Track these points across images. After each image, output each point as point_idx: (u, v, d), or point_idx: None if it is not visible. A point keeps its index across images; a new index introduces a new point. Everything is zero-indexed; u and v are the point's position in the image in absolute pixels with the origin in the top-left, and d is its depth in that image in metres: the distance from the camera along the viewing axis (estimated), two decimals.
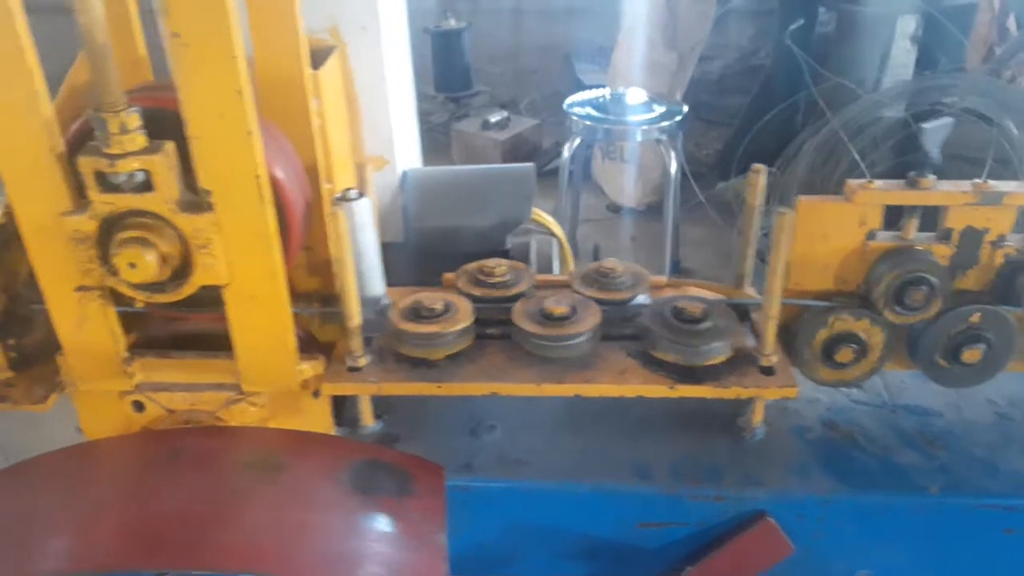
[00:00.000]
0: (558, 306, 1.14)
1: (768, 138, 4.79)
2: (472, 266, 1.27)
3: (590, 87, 5.84)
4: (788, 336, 1.18)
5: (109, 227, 1.01)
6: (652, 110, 3.56)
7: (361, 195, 1.17)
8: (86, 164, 0.97)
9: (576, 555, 1.16)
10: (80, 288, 1.07)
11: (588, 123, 3.41)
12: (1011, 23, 5.86)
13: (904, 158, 4.27)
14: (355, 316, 1.13)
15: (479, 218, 1.39)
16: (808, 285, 1.19)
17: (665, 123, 3.39)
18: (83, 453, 1.04)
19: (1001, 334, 1.16)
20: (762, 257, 3.39)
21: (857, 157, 3.67)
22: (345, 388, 1.14)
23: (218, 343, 1.17)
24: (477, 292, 1.22)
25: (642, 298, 1.22)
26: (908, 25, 4.93)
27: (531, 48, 6.80)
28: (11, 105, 0.95)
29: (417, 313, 1.15)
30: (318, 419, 1.18)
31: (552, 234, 1.53)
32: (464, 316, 1.15)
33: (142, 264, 0.99)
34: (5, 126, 0.96)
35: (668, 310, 1.15)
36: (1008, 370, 1.20)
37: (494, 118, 4.95)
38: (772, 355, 1.14)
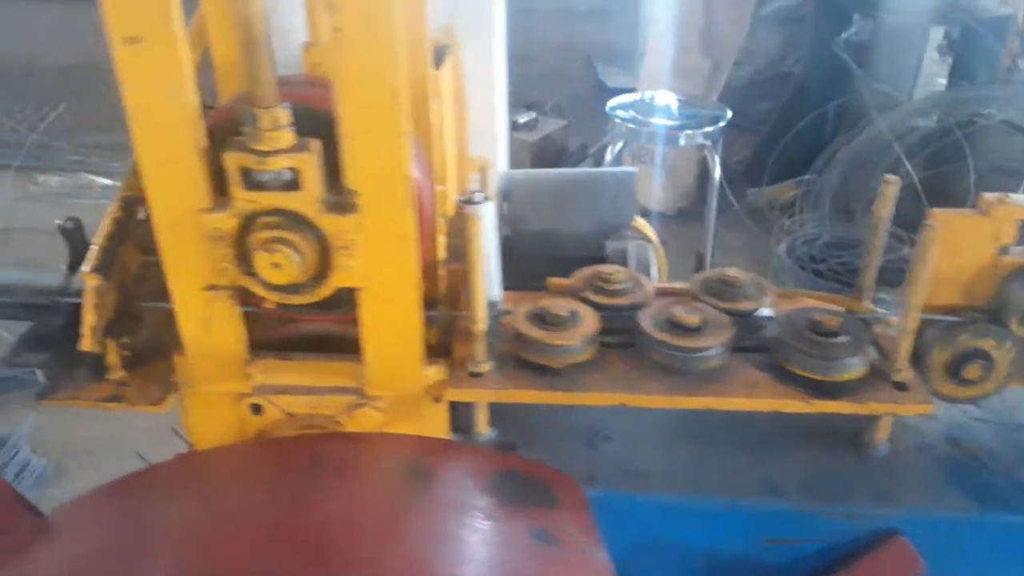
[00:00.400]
0: (689, 316, 1.11)
1: (798, 146, 4.78)
2: (588, 272, 1.24)
3: (614, 89, 5.83)
4: (916, 353, 1.16)
5: (247, 226, 0.98)
6: (693, 114, 3.54)
7: (486, 198, 1.14)
8: (233, 160, 0.94)
9: (700, 571, 1.14)
10: (210, 287, 1.04)
11: (632, 126, 3.38)
12: None
13: (938, 169, 4.26)
14: (481, 321, 1.10)
15: (580, 222, 1.37)
16: (936, 300, 1.16)
17: (709, 128, 3.36)
18: (210, 460, 1.01)
19: None
20: (801, 265, 3.33)
21: (909, 167, 3.66)
22: (470, 394, 1.12)
23: (330, 345, 1.15)
24: (596, 299, 1.19)
25: (765, 310, 1.20)
26: (938, 35, 4.91)
27: (549, 49, 6.77)
28: (159, 95, 0.92)
29: (543, 319, 1.13)
30: (436, 425, 1.15)
31: (647, 239, 1.50)
32: (591, 325, 1.12)
33: (287, 265, 0.96)
34: (150, 116, 0.93)
35: (803, 322, 1.12)
36: None
37: (523, 119, 4.93)
38: (905, 370, 1.11)
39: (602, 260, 1.46)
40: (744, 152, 5.28)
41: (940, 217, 1.15)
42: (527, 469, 0.98)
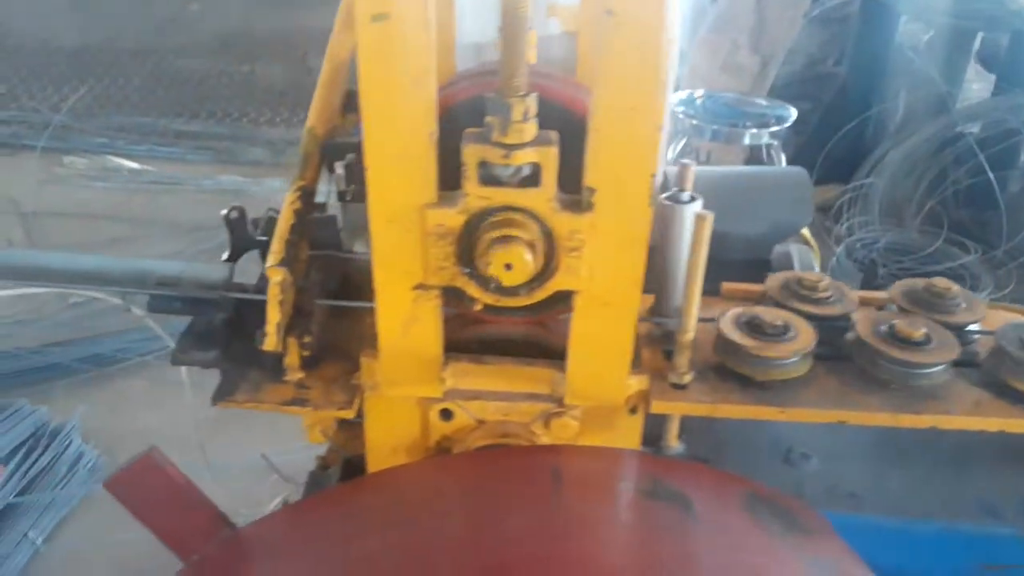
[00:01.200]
0: (914, 329, 1.05)
1: (842, 148, 4.73)
2: (783, 278, 1.17)
3: None
4: None
5: (473, 223, 0.91)
6: (754, 113, 3.48)
7: (694, 198, 1.07)
8: (473, 153, 0.87)
9: None
10: (418, 287, 0.96)
11: (695, 123, 3.32)
12: None
13: (986, 176, 4.21)
14: (691, 330, 1.03)
15: (750, 224, 1.30)
16: None
17: (776, 127, 3.30)
18: (426, 475, 0.94)
19: None
20: (861, 269, 3.23)
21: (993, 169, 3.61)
22: (676, 407, 1.05)
23: (512, 349, 1.08)
24: (802, 307, 1.12)
25: (975, 323, 1.14)
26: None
27: None
28: (401, 80, 0.84)
29: (756, 328, 1.06)
30: (629, 437, 1.09)
31: (807, 243, 1.44)
32: (807, 337, 1.05)
33: (520, 265, 0.89)
34: (388, 102, 0.85)
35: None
36: None
37: None
38: None
39: (767, 264, 1.40)
40: (785, 151, 5.21)
41: None
42: (763, 491, 0.91)
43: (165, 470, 0.89)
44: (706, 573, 0.71)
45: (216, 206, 4.12)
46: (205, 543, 0.91)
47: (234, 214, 1.15)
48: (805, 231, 1.44)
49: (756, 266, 1.38)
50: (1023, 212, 4.03)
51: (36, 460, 2.67)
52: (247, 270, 1.19)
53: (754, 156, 4.25)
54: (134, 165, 4.86)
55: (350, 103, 1.29)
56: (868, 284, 3.54)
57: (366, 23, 0.82)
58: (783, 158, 3.42)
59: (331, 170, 1.16)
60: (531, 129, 0.86)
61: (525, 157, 0.86)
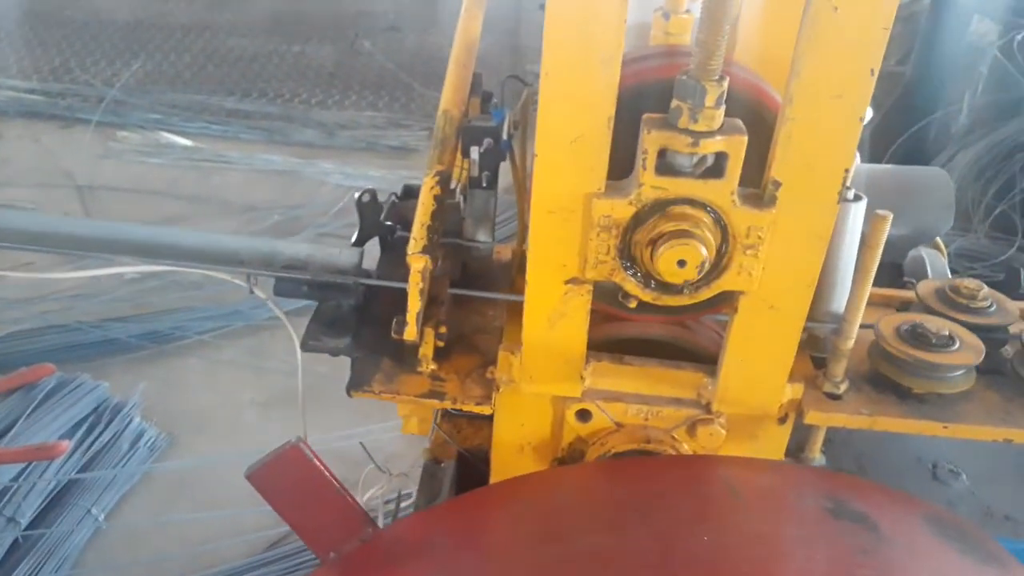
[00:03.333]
0: None
1: (908, 148, 4.62)
2: (937, 285, 1.11)
3: None
4: None
5: (644, 213, 0.86)
6: None
7: (859, 196, 1.01)
8: (654, 140, 0.81)
9: None
10: (572, 280, 0.91)
11: None
12: None
13: None
14: (853, 337, 0.97)
15: (893, 226, 1.23)
16: None
17: None
18: (589, 482, 0.89)
19: None
20: None
21: None
22: (833, 418, 0.99)
23: (651, 350, 1.03)
24: (959, 317, 1.06)
25: None
26: None
27: None
28: (589, 61, 0.78)
29: (921, 338, 1.00)
30: (772, 448, 1.03)
31: (937, 248, 1.37)
32: (975, 350, 0.99)
33: (694, 262, 0.84)
34: (571, 85, 0.80)
35: None
36: None
37: None
38: None
39: (900, 268, 1.33)
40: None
41: None
42: (943, 514, 0.85)
43: (311, 463, 0.85)
44: None
45: (267, 186, 4.14)
46: (344, 541, 0.87)
47: (366, 197, 1.10)
48: (938, 237, 1.37)
49: (889, 270, 1.31)
50: None
51: (98, 436, 2.66)
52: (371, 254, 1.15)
53: None
54: (186, 142, 4.85)
55: (475, 88, 1.24)
56: None
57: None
58: (858, 157, 3.33)
59: (465, 155, 1.11)
60: (721, 116, 0.81)
61: (713, 146, 0.81)
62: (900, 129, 4.63)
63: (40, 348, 3.00)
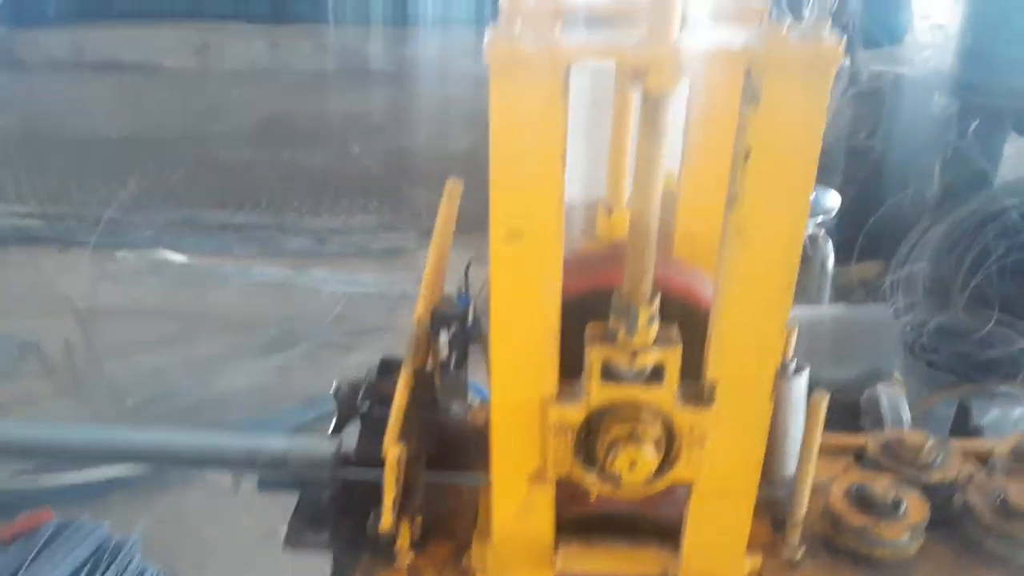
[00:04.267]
0: None
1: (882, 224, 4.73)
2: (886, 438, 1.17)
3: None
4: None
5: (594, 418, 0.92)
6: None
7: (800, 367, 1.08)
8: (597, 354, 0.88)
9: None
10: (536, 476, 0.97)
11: None
12: None
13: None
14: (804, 506, 1.03)
15: (841, 370, 1.30)
16: None
17: (822, 217, 3.32)
18: None
19: None
20: (912, 352, 3.16)
21: None
22: None
23: (617, 526, 1.08)
24: (905, 471, 1.11)
25: None
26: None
27: None
28: (530, 285, 0.86)
29: (867, 503, 1.05)
30: None
31: (896, 383, 1.43)
32: (919, 513, 1.04)
33: (643, 463, 0.90)
34: (517, 306, 0.87)
35: None
36: None
37: None
38: None
39: (856, 408, 1.39)
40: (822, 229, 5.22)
41: None
42: None
43: None
44: None
45: (263, 298, 4.22)
46: None
47: (343, 388, 1.17)
48: (897, 374, 1.44)
49: (846, 411, 1.37)
50: None
51: None
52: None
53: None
54: (182, 259, 4.97)
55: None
56: (922, 369, 3.50)
57: (500, 240, 0.84)
58: (830, 245, 3.43)
59: (434, 339, 1.18)
60: (655, 331, 0.88)
61: (650, 358, 0.88)
62: (874, 203, 4.76)
63: (40, 488, 3.03)
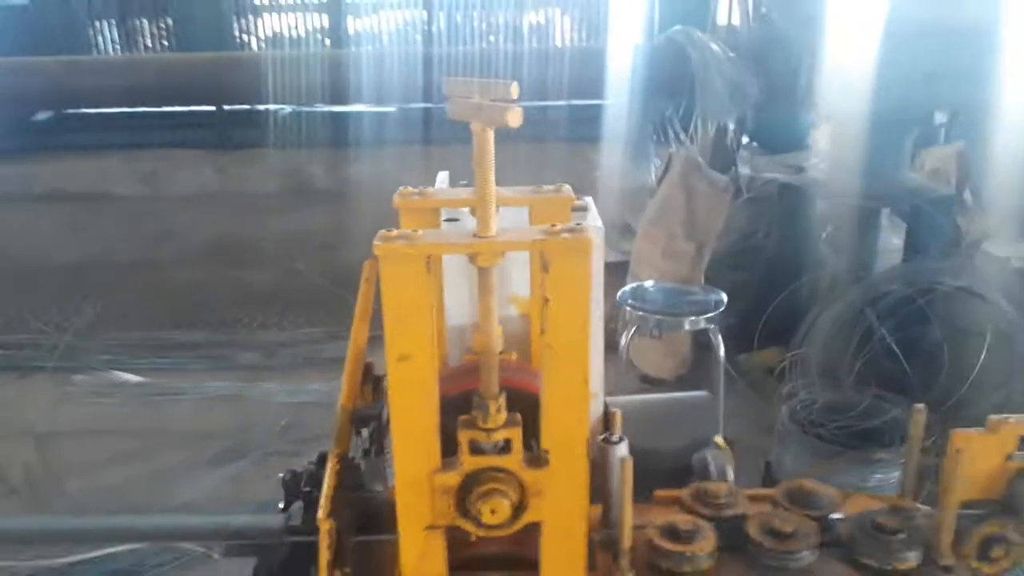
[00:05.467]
0: (785, 525, 1.46)
1: (781, 313, 5.28)
2: (694, 488, 1.59)
3: (609, 264, 6.35)
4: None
5: (467, 481, 1.33)
6: (692, 300, 4.02)
7: (621, 438, 1.50)
8: (465, 436, 1.30)
9: None
10: (429, 527, 1.37)
11: (642, 314, 3.83)
12: (967, 195, 6.53)
13: (906, 333, 4.75)
14: (628, 539, 1.43)
15: (672, 441, 1.73)
16: (963, 496, 1.52)
17: (711, 313, 3.83)
18: None
19: None
20: (803, 430, 3.69)
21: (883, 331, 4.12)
22: None
23: (499, 563, 1.47)
24: (706, 511, 1.53)
25: (837, 513, 1.55)
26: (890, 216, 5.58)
27: None
28: (417, 396, 1.28)
29: (674, 534, 1.46)
30: None
31: (724, 450, 1.86)
32: (711, 539, 1.46)
33: (501, 511, 1.30)
34: (409, 412, 1.29)
35: (869, 523, 1.48)
36: None
37: None
38: (949, 556, 1.46)
39: (689, 468, 1.82)
40: (729, 320, 5.76)
41: (962, 438, 1.52)
42: None
43: None
44: None
45: (216, 412, 4.59)
46: None
47: (288, 476, 1.56)
48: (718, 438, 1.87)
49: (681, 472, 1.79)
50: (942, 363, 4.53)
51: None
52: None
53: (696, 338, 4.79)
54: (137, 378, 5.26)
55: (367, 376, 1.74)
56: (811, 443, 3.97)
57: (393, 361, 1.26)
58: (720, 339, 3.92)
59: (358, 433, 1.59)
60: (503, 416, 1.30)
61: (501, 435, 1.30)
62: (772, 296, 5.33)
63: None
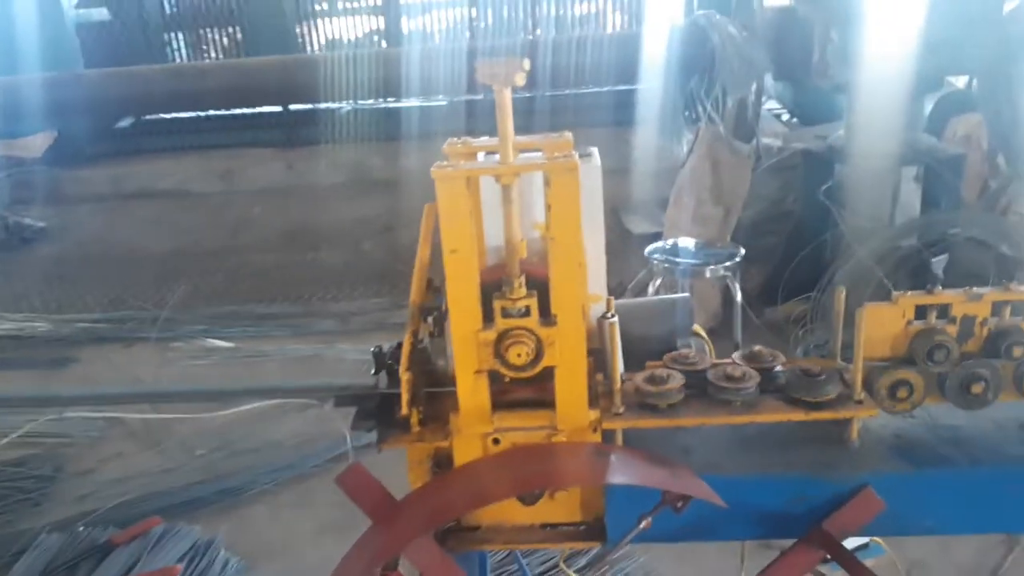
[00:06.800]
0: (736, 371, 2.01)
1: (803, 270, 5.76)
2: (674, 354, 2.14)
3: (638, 236, 6.88)
4: (867, 385, 2.02)
5: (500, 336, 1.91)
6: (713, 253, 4.53)
7: (615, 315, 2.06)
8: (498, 304, 1.88)
9: (754, 520, 1.97)
10: (477, 371, 1.95)
11: (667, 265, 4.36)
12: (1000, 160, 6.92)
13: (917, 280, 5.17)
14: (618, 382, 2.00)
15: (658, 328, 2.29)
16: (875, 354, 2.03)
17: (728, 263, 4.33)
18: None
19: (993, 376, 2.00)
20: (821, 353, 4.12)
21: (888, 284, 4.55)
22: (615, 424, 1.99)
23: (530, 404, 2.04)
24: (682, 368, 2.09)
25: (779, 367, 2.09)
26: (910, 173, 5.98)
27: None
28: (465, 277, 1.86)
29: (652, 379, 2.02)
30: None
31: (703, 338, 2.41)
32: (679, 380, 2.01)
33: (524, 355, 1.88)
34: (464, 288, 1.87)
35: (799, 370, 2.01)
36: (1000, 400, 2.03)
37: None
38: (861, 394, 1.98)
39: (675, 350, 2.36)
40: (759, 279, 6.24)
41: (871, 308, 2.04)
42: (665, 459, 1.85)
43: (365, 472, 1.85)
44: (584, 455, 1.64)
45: (298, 369, 5.35)
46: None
47: (376, 349, 2.16)
48: (698, 328, 2.41)
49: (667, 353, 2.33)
50: None
51: (196, 565, 3.58)
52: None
53: (725, 295, 5.29)
54: (229, 344, 5.99)
55: (429, 285, 2.33)
56: None
57: (448, 253, 1.85)
58: (738, 286, 4.42)
59: (424, 320, 2.18)
60: (523, 290, 1.88)
61: (523, 303, 1.87)
62: (797, 253, 5.78)
63: (146, 510, 3.97)
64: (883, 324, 2.03)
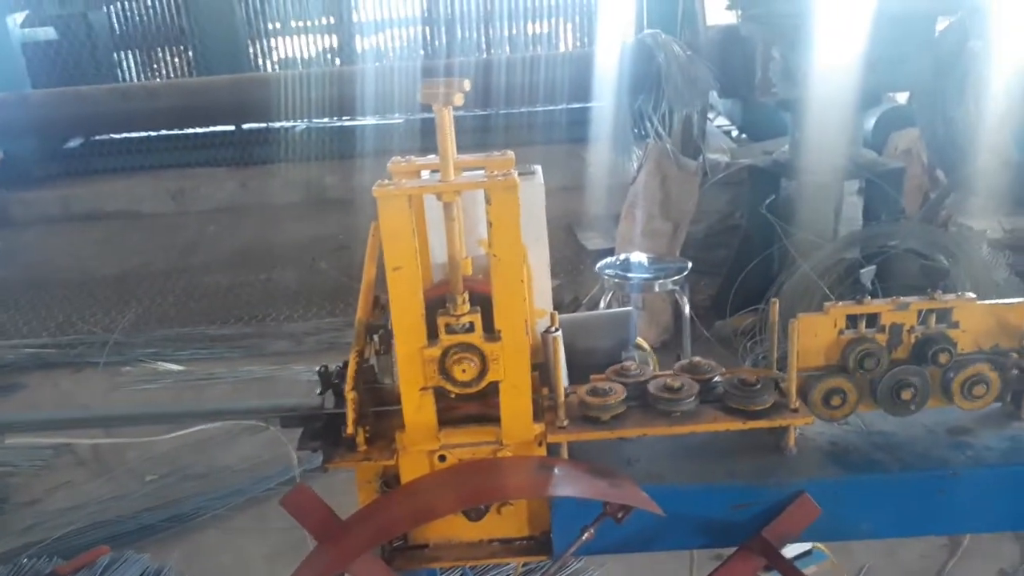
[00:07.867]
0: (675, 382, 2.06)
1: (752, 283, 5.88)
2: (616, 367, 2.19)
3: (593, 251, 6.95)
4: (802, 393, 2.09)
5: (445, 352, 1.93)
6: (662, 267, 4.61)
7: (558, 329, 2.10)
8: (442, 320, 1.90)
9: (695, 529, 2.01)
10: (423, 388, 1.97)
11: (617, 280, 4.43)
12: (939, 173, 7.16)
13: (859, 291, 5.30)
14: (562, 396, 2.03)
15: (603, 342, 2.33)
16: (809, 363, 2.10)
17: (677, 277, 4.42)
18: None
19: (922, 382, 2.08)
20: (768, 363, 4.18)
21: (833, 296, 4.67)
22: (559, 438, 2.02)
23: (475, 419, 2.06)
24: (623, 380, 2.13)
25: (718, 377, 2.14)
26: (852, 186, 6.16)
27: None
28: (408, 297, 1.88)
29: (595, 392, 2.06)
30: None
31: (647, 351, 2.46)
32: (621, 392, 2.05)
33: (469, 371, 1.90)
34: (404, 308, 1.89)
35: (737, 381, 2.07)
36: (929, 406, 2.11)
37: None
38: (796, 403, 2.05)
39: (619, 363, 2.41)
40: (708, 292, 6.36)
41: (804, 318, 2.11)
42: (608, 470, 1.88)
43: (311, 493, 1.85)
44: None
45: (251, 391, 5.29)
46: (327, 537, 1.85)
47: (322, 369, 2.17)
48: (642, 341, 2.46)
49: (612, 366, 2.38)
50: None
51: None
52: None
53: (675, 309, 5.38)
54: (179, 367, 5.91)
55: (376, 303, 2.35)
56: None
57: (391, 271, 1.87)
58: (686, 299, 4.51)
59: (370, 338, 2.19)
60: (467, 306, 1.90)
61: (467, 319, 1.90)
62: (745, 266, 5.90)
63: (94, 539, 3.89)
64: (816, 334, 2.09)
